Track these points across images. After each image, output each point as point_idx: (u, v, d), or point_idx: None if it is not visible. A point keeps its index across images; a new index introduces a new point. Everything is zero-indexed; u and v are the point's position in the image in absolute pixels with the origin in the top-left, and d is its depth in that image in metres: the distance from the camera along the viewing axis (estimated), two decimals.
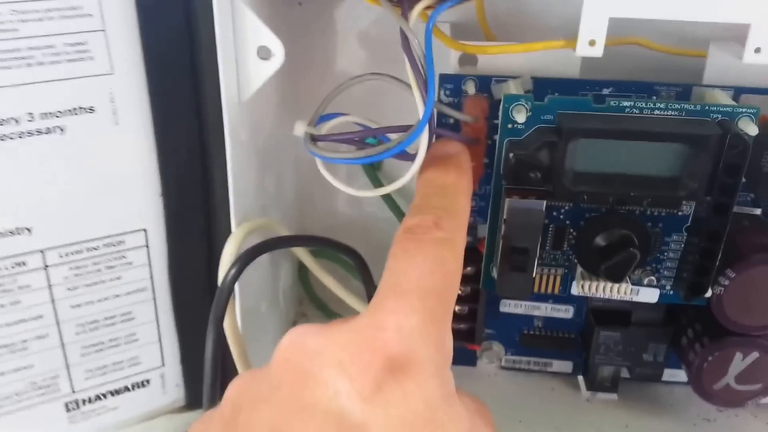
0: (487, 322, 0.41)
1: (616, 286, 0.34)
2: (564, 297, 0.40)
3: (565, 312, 0.41)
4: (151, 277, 0.35)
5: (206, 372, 0.30)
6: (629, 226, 0.33)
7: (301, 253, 0.40)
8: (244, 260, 0.30)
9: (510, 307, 0.41)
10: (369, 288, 0.37)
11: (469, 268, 0.38)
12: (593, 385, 0.40)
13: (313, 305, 0.47)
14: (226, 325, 0.31)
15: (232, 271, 0.29)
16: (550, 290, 0.35)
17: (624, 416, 0.39)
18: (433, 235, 0.25)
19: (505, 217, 0.32)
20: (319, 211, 0.47)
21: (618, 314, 0.38)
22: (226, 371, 0.34)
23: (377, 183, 0.44)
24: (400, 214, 0.44)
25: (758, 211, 0.36)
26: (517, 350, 0.42)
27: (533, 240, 0.32)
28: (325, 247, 0.35)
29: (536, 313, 0.41)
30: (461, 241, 0.26)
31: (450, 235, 0.25)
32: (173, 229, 0.35)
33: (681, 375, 0.42)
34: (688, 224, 0.33)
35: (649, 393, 0.41)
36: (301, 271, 0.47)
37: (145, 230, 0.34)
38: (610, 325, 0.38)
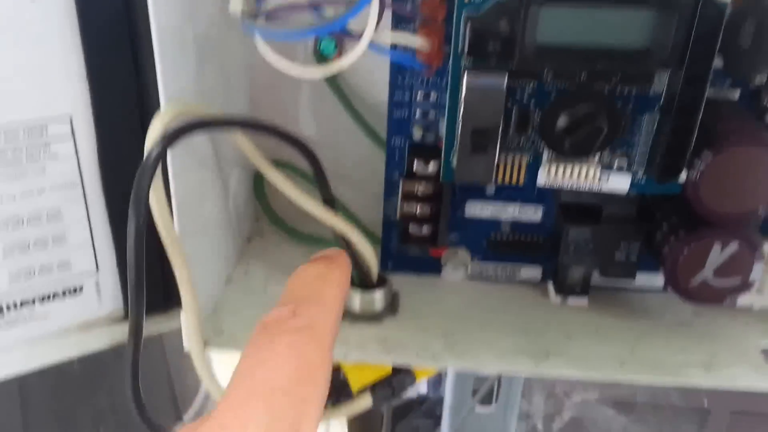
0: (453, 228, 0.39)
1: (585, 170, 0.32)
2: (532, 196, 0.38)
3: (534, 214, 0.39)
4: (80, 171, 0.33)
5: (130, 268, 0.27)
6: (596, 102, 0.31)
7: (257, 159, 0.37)
8: (173, 136, 0.28)
9: (476, 210, 0.39)
10: (323, 189, 0.35)
11: (431, 166, 0.36)
12: (563, 289, 0.39)
13: (269, 220, 0.45)
14: (155, 208, 0.29)
15: (157, 149, 0.27)
16: (514, 180, 0.34)
17: (594, 321, 0.38)
18: (288, 325, 0.24)
19: (463, 94, 0.30)
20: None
21: (588, 210, 0.37)
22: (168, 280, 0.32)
23: (344, 99, 0.42)
24: (361, 122, 0.42)
25: (736, 95, 0.34)
26: (484, 256, 0.41)
27: (494, 119, 0.31)
28: (269, 134, 0.32)
29: (503, 216, 0.39)
30: (326, 327, 0.24)
31: (309, 322, 0.24)
32: (101, 117, 0.32)
33: (656, 280, 0.40)
34: (661, 103, 0.32)
35: (621, 300, 0.40)
36: (257, 184, 0.45)
37: (70, 117, 0.32)
38: (580, 221, 0.36)
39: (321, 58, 0.38)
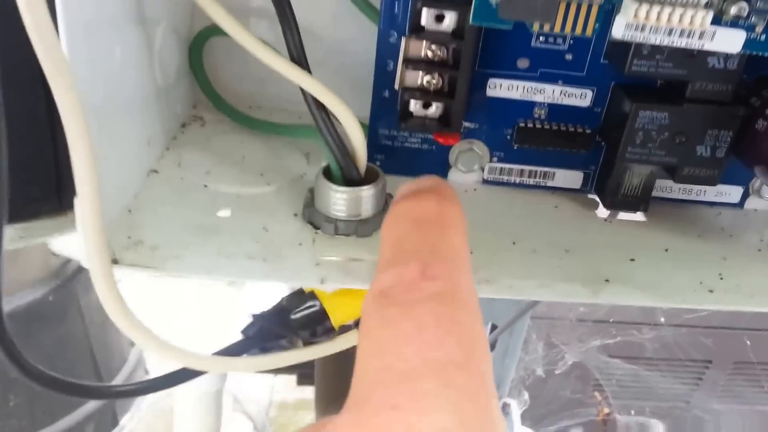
0: (469, 113, 0.30)
1: (690, 14, 0.22)
2: (581, 77, 0.29)
3: (581, 98, 0.29)
4: None
5: None
6: None
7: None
8: None
9: (501, 89, 0.29)
10: (292, 39, 0.25)
11: (446, 20, 0.26)
12: (614, 199, 0.30)
13: (210, 102, 0.34)
14: (33, 34, 0.18)
15: None
16: (579, 30, 0.24)
17: (660, 239, 0.29)
18: (423, 290, 0.17)
19: None
20: None
21: (664, 87, 0.27)
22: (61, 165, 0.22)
23: None
24: None
25: None
26: (508, 155, 0.31)
27: None
28: None
29: (538, 98, 0.30)
30: (470, 290, 0.18)
31: (450, 285, 0.18)
32: None
33: (732, 194, 0.31)
34: None
35: (687, 216, 0.31)
36: (194, 54, 0.34)
37: None
38: (654, 100, 0.27)
39: None
